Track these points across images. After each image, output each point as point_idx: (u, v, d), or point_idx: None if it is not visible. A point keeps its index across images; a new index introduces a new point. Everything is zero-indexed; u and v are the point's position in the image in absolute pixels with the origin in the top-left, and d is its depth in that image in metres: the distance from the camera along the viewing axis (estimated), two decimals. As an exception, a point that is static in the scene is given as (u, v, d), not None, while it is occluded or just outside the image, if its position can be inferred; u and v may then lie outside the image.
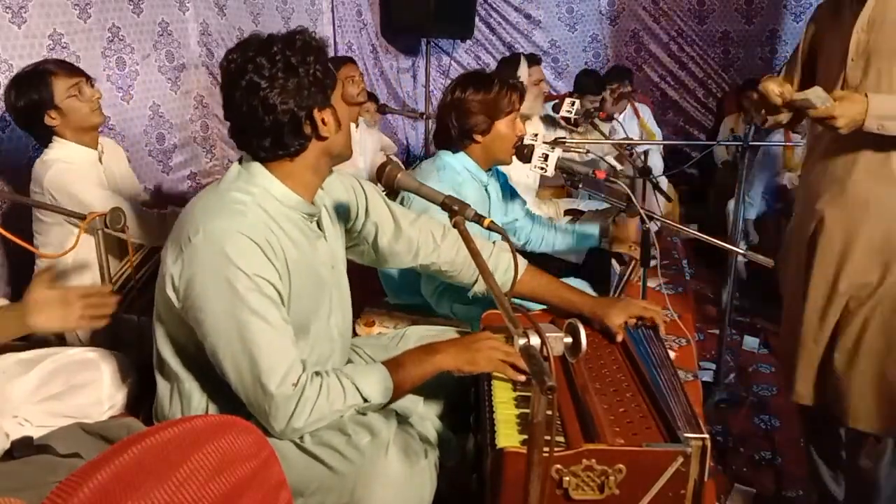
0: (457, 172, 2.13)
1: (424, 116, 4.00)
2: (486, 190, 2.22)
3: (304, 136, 1.41)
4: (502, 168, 2.36)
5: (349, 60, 3.56)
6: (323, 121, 1.41)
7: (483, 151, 2.15)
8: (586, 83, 4.27)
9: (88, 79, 2.22)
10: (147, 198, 2.55)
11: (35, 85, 2.12)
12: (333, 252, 1.58)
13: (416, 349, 1.51)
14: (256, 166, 1.43)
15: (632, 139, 3.77)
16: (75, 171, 2.15)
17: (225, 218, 1.35)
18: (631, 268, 2.53)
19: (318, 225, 1.53)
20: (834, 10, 1.79)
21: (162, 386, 1.52)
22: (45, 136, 2.21)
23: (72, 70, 2.18)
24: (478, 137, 2.12)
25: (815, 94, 1.60)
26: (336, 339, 1.58)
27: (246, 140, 1.43)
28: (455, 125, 2.12)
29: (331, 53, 1.53)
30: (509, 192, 2.42)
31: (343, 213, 1.64)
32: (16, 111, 2.16)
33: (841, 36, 1.72)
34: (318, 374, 1.38)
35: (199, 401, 1.47)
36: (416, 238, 1.72)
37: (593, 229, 2.46)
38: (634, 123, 4.46)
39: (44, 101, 2.12)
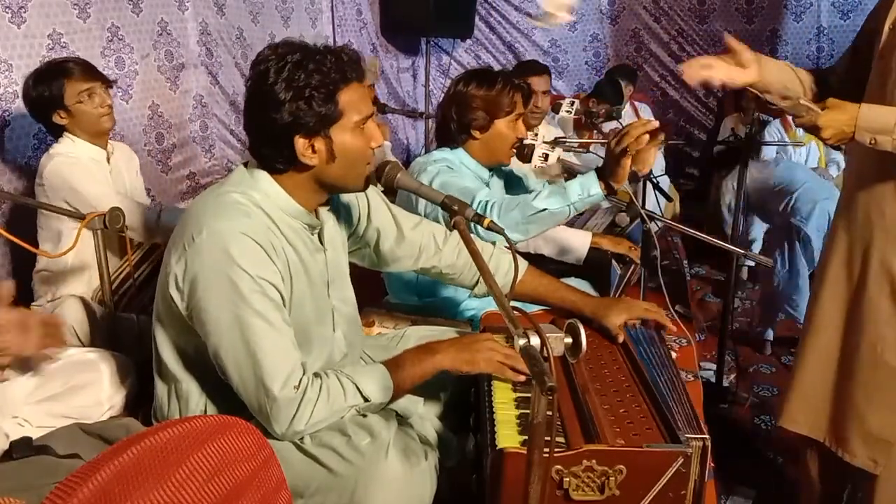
0: (452, 164, 2.12)
1: (424, 116, 4.00)
2: (488, 186, 2.21)
3: (285, 158, 1.38)
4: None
5: None
6: (313, 149, 1.37)
7: (482, 149, 2.14)
8: (607, 91, 4.25)
9: (106, 83, 2.24)
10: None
11: (48, 82, 2.15)
12: (335, 265, 1.56)
13: (416, 349, 1.51)
14: (260, 171, 1.42)
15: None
16: (78, 166, 2.18)
17: (229, 218, 1.34)
18: (630, 269, 2.52)
19: (320, 238, 1.51)
20: (885, 6, 1.61)
21: (160, 387, 1.51)
22: (55, 131, 2.24)
23: (89, 74, 2.20)
24: (476, 134, 2.11)
25: (799, 103, 1.53)
26: (346, 351, 1.58)
27: (248, 142, 1.43)
28: (455, 118, 2.12)
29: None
30: (517, 190, 2.40)
31: (345, 218, 1.63)
32: (29, 101, 2.20)
33: (879, 32, 1.59)
34: (317, 375, 1.38)
35: (197, 402, 1.47)
36: (419, 242, 1.71)
37: (586, 175, 1.91)
38: (634, 122, 4.45)
39: (54, 99, 2.16)
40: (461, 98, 2.10)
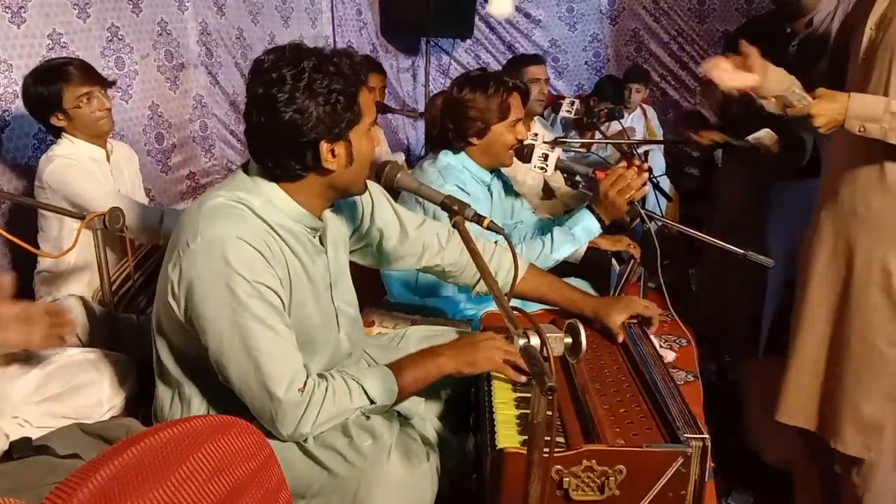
0: (459, 171, 2.12)
1: (424, 116, 4.00)
2: (489, 190, 2.21)
3: (305, 165, 1.36)
4: (508, 169, 2.35)
5: (376, 69, 3.55)
6: (333, 153, 1.35)
7: (481, 153, 2.14)
8: (608, 90, 4.24)
9: (105, 85, 2.24)
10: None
11: (47, 84, 2.14)
12: (337, 266, 1.55)
13: (417, 353, 1.51)
14: (263, 176, 1.40)
15: (635, 139, 3.77)
16: (78, 168, 2.17)
17: (224, 223, 1.32)
18: (630, 266, 2.52)
19: (321, 240, 1.50)
20: (863, 7, 1.73)
21: (162, 390, 1.51)
22: (55, 130, 2.24)
23: (87, 77, 2.18)
24: (474, 140, 2.11)
25: (792, 92, 1.59)
26: (350, 350, 1.58)
27: (252, 149, 1.40)
28: (451, 126, 2.11)
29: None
30: (513, 195, 2.41)
31: (348, 217, 1.62)
32: (28, 100, 2.19)
33: (860, 32, 1.68)
34: (322, 376, 1.38)
35: (199, 406, 1.47)
36: (422, 241, 1.70)
37: (582, 215, 2.13)
38: (641, 123, 4.48)
39: (52, 101, 2.15)
40: (455, 105, 2.09)
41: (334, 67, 1.31)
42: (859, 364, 1.71)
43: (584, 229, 2.08)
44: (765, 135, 1.97)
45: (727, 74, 1.69)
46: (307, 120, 1.30)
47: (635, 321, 1.69)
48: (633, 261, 2.51)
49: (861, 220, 1.69)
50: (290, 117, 1.30)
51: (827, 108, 1.57)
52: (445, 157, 2.15)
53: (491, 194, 2.21)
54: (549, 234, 2.10)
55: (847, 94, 1.57)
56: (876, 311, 1.68)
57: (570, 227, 2.08)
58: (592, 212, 2.07)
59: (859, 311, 1.70)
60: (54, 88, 2.13)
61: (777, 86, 1.75)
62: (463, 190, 2.06)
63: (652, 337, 1.67)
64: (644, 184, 1.99)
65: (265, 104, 1.31)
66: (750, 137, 1.97)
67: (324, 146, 1.34)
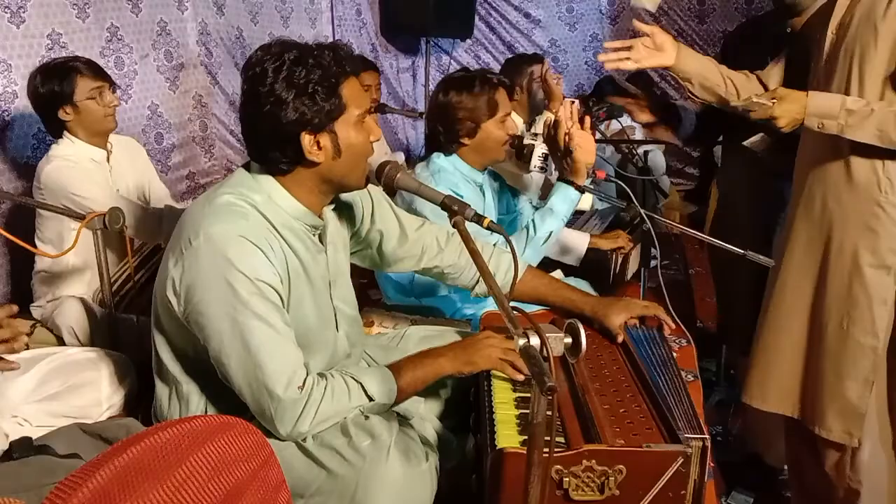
0: (451, 174, 2.12)
1: (424, 116, 3.99)
2: (482, 190, 2.21)
3: (290, 158, 1.37)
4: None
5: (369, 67, 3.55)
6: (318, 145, 1.36)
7: (474, 153, 2.14)
8: (608, 90, 4.23)
9: (112, 85, 2.26)
10: (170, 201, 2.56)
11: (60, 77, 2.16)
12: (335, 265, 1.55)
13: (417, 354, 1.51)
14: (264, 173, 1.41)
15: (636, 139, 3.77)
16: (76, 170, 2.17)
17: (226, 221, 1.33)
18: (613, 259, 2.52)
19: (321, 238, 1.50)
20: (825, 11, 1.81)
21: (160, 388, 1.51)
22: (56, 129, 2.24)
23: (98, 74, 2.22)
24: (465, 140, 2.11)
25: (751, 101, 1.68)
26: (349, 350, 1.58)
27: (245, 145, 1.42)
28: (441, 129, 2.11)
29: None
30: (508, 190, 2.41)
31: (347, 218, 1.63)
32: (36, 96, 2.20)
33: (823, 36, 1.76)
34: (322, 375, 1.38)
35: (197, 404, 1.47)
36: (422, 243, 1.71)
37: (555, 188, 2.12)
38: (643, 124, 4.48)
39: (64, 95, 2.16)
40: (443, 108, 2.09)
41: (314, 59, 1.33)
42: (836, 352, 1.76)
43: (561, 198, 2.03)
44: (760, 139, 2.00)
45: (640, 55, 1.79)
46: (285, 111, 1.31)
47: (645, 325, 1.69)
48: (614, 251, 2.52)
49: (832, 214, 1.76)
50: (270, 109, 1.32)
51: (788, 109, 1.66)
52: (438, 159, 2.15)
53: (483, 195, 2.21)
54: (530, 221, 2.08)
55: (805, 93, 1.66)
56: (850, 300, 1.74)
57: (546, 204, 2.06)
58: (565, 181, 2.04)
59: (834, 300, 1.76)
60: (67, 81, 2.15)
61: (694, 66, 1.87)
62: (456, 193, 2.06)
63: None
64: (578, 116, 1.99)
65: (250, 98, 1.34)
66: (746, 142, 2.00)
67: (306, 137, 1.34)
